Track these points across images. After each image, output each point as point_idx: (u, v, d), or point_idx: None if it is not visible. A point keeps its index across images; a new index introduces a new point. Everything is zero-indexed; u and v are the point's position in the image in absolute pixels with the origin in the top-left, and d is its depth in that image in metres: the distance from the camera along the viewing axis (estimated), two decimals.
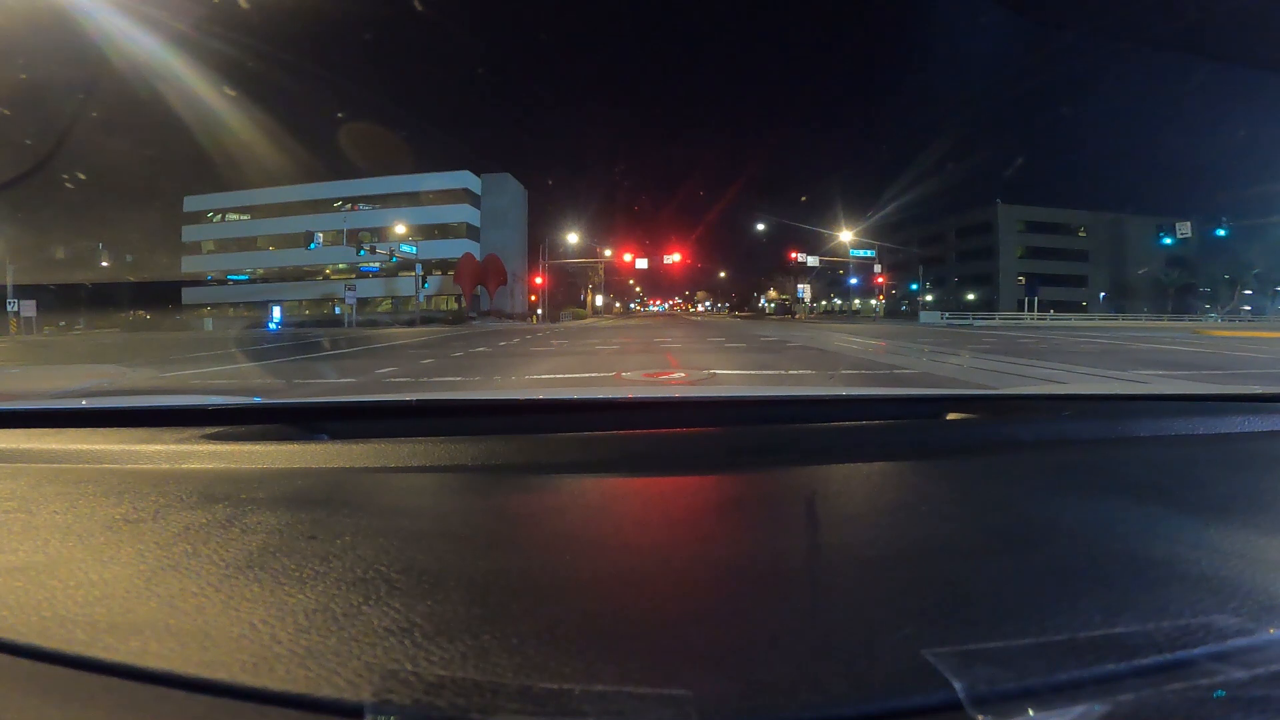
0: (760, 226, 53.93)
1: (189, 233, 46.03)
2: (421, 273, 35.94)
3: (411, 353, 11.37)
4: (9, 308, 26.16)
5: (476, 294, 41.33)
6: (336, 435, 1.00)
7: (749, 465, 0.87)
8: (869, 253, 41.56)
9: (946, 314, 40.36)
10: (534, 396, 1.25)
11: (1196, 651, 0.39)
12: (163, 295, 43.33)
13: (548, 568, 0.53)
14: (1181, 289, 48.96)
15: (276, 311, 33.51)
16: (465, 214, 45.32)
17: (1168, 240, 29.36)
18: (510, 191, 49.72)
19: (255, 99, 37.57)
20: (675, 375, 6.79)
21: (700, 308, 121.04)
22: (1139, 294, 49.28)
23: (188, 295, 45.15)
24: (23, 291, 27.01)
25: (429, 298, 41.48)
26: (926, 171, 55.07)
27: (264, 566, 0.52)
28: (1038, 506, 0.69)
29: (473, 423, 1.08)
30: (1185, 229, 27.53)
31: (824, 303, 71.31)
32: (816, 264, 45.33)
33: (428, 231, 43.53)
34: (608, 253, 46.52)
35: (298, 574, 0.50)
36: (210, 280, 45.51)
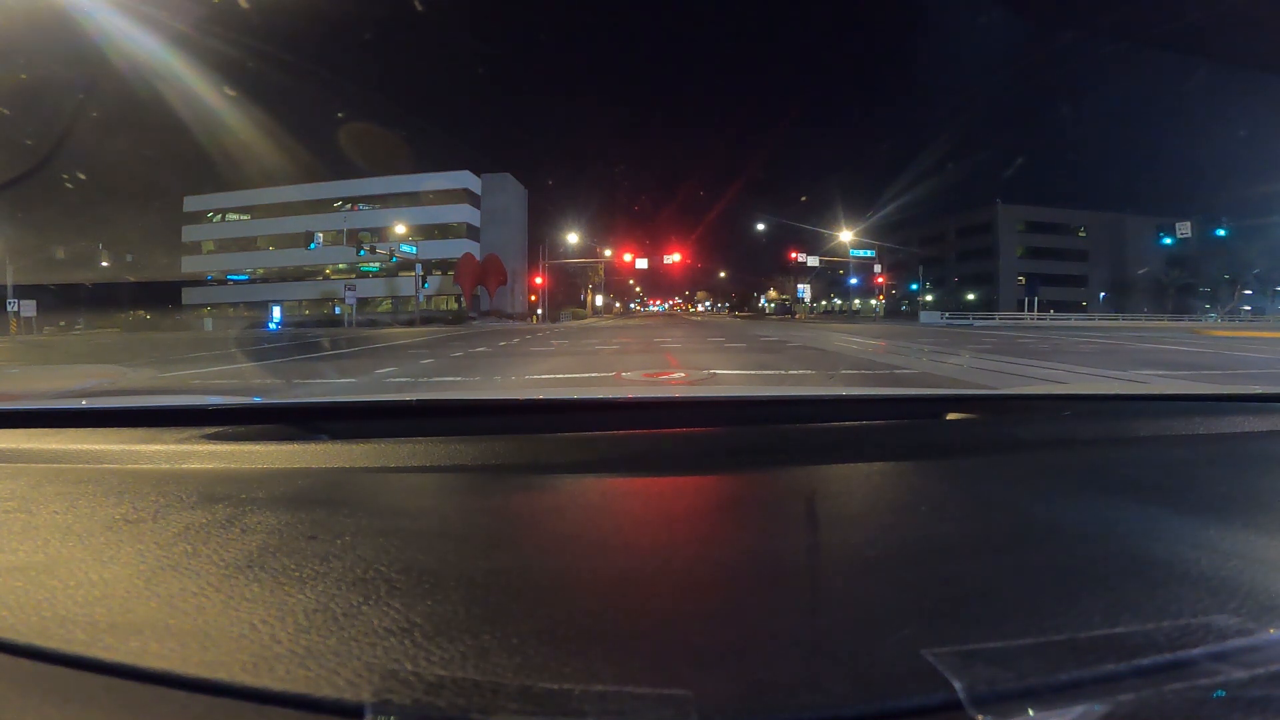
0: (760, 226, 53.92)
1: (189, 233, 46.01)
2: (421, 273, 35.91)
3: (411, 353, 11.37)
4: (9, 308, 26.15)
5: (476, 294, 41.35)
6: (336, 435, 1.00)
7: (749, 465, 0.87)
8: (869, 253, 41.55)
9: (946, 314, 40.34)
10: (534, 396, 1.25)
11: (1196, 651, 0.39)
12: (163, 295, 43.33)
13: (548, 568, 0.53)
14: (1181, 289, 48.94)
15: (276, 311, 33.51)
16: (465, 214, 45.31)
17: (1168, 240, 29.36)
18: (510, 191, 49.70)
19: (255, 99, 37.52)
20: (675, 375, 6.78)
21: (700, 308, 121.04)
22: (1139, 294, 49.28)
23: (188, 295, 45.14)
24: (23, 291, 27.00)
25: (429, 298, 41.48)
26: (926, 171, 55.05)
27: (264, 566, 0.52)
28: (1038, 506, 0.69)
29: (473, 423, 1.08)
30: (1185, 229, 27.53)
31: (824, 303, 71.28)
32: (816, 264, 45.28)
33: (428, 231, 43.52)
34: (607, 253, 46.52)
35: (298, 574, 0.50)
36: (210, 280, 45.47)
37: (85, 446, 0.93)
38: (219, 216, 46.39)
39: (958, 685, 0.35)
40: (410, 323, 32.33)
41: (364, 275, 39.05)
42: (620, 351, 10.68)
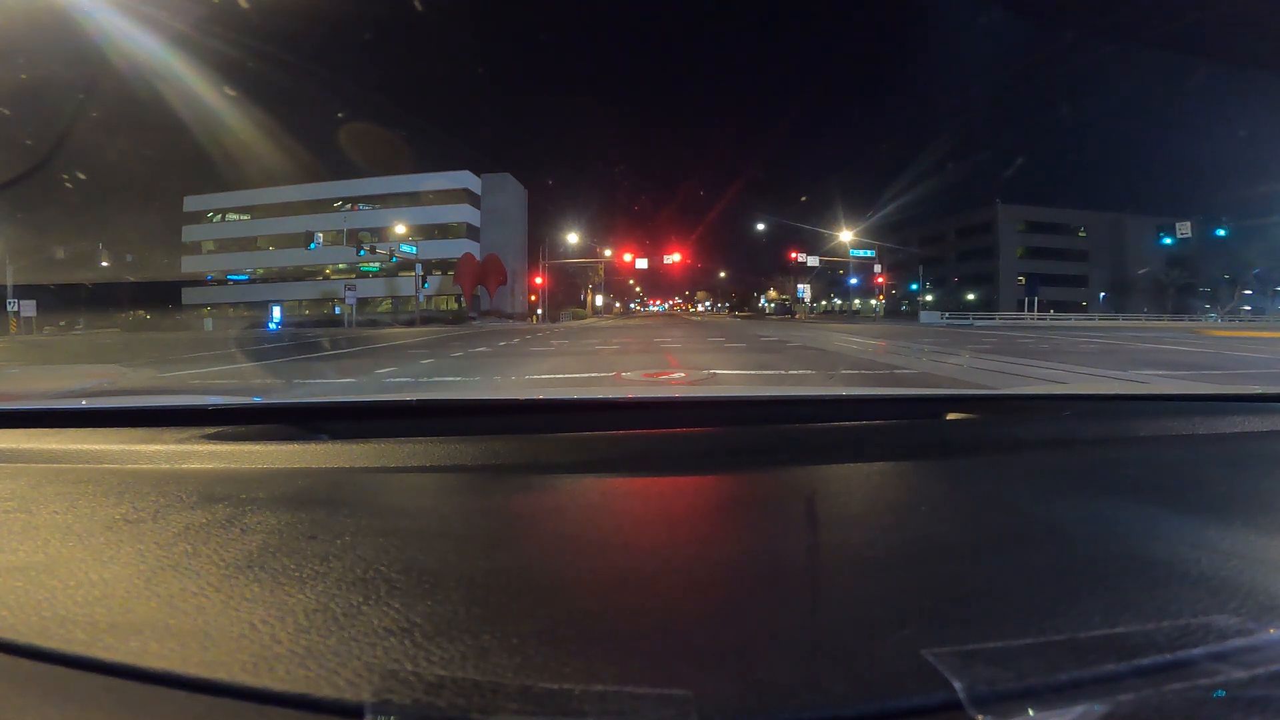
0: (760, 226, 53.99)
1: (189, 233, 46.00)
2: (421, 273, 35.88)
3: (411, 353, 11.37)
4: (9, 308, 26.15)
5: (476, 294, 41.34)
6: (336, 435, 1.00)
7: (749, 465, 0.87)
8: (869, 253, 41.57)
9: (946, 314, 40.36)
10: (534, 397, 1.25)
11: (1196, 651, 0.39)
12: (163, 295, 43.29)
13: (548, 568, 0.53)
14: (1181, 289, 48.90)
15: (276, 311, 33.52)
16: (465, 214, 45.30)
17: (1168, 240, 29.37)
18: (510, 191, 49.70)
19: (255, 99, 37.49)
20: (675, 375, 6.78)
21: (700, 308, 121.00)
22: (1139, 294, 49.23)
23: (188, 295, 45.12)
24: (23, 291, 27.00)
25: (429, 298, 41.46)
26: (926, 171, 55.01)
27: (264, 566, 0.52)
28: (1038, 506, 0.69)
29: (473, 423, 1.08)
30: (1185, 229, 27.54)
31: (824, 303, 71.30)
32: (816, 264, 45.29)
33: (428, 231, 43.52)
34: (608, 253, 46.56)
35: (298, 574, 0.50)
36: (210, 280, 45.44)
37: (85, 446, 0.93)
38: (219, 216, 46.36)
39: (958, 685, 0.35)
40: (410, 323, 32.34)
41: (364, 275, 39.03)
42: (620, 351, 10.68)
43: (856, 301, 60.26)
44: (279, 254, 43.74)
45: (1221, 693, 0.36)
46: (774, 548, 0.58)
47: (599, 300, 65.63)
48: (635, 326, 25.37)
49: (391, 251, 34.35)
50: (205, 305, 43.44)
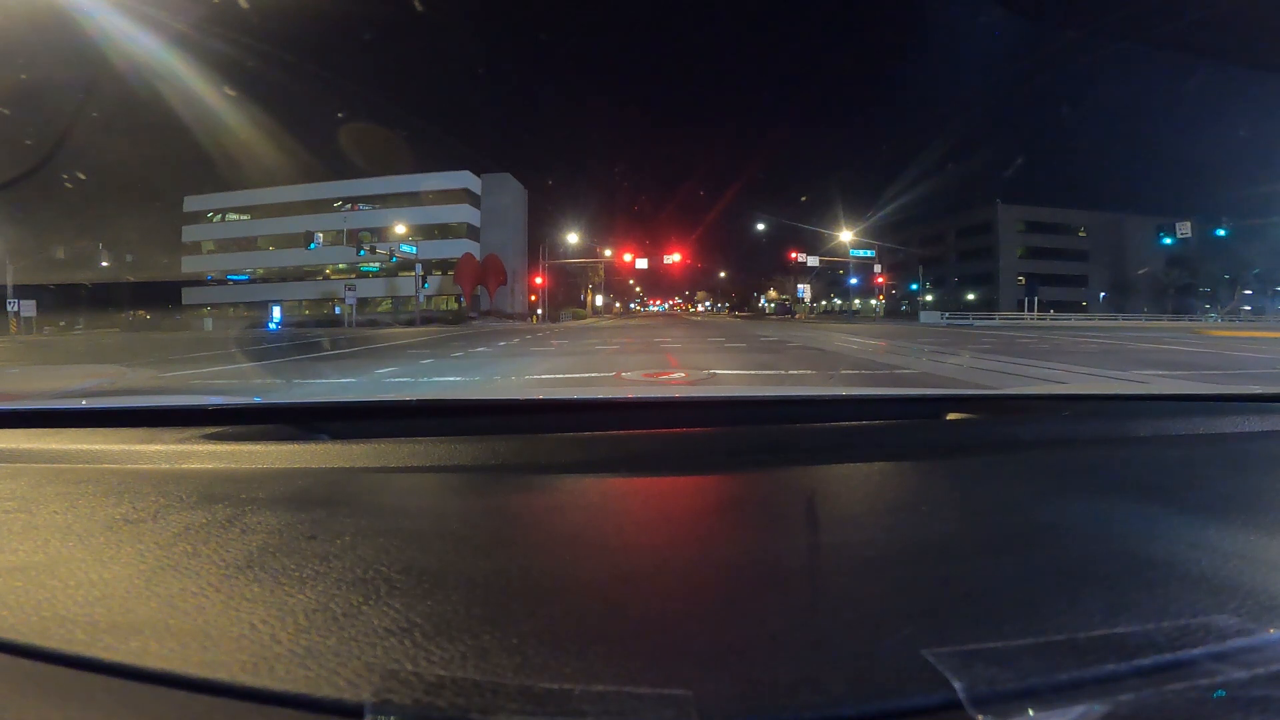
0: (760, 226, 54.15)
1: (189, 233, 46.00)
2: (421, 273, 35.89)
3: (411, 353, 11.37)
4: (9, 308, 26.13)
5: (476, 294, 41.36)
6: (336, 435, 1.00)
7: (749, 465, 0.87)
8: (869, 253, 41.60)
9: (946, 314, 40.36)
10: (534, 396, 1.26)
11: (1196, 651, 0.39)
12: (163, 295, 43.27)
13: (548, 568, 0.53)
14: (1181, 289, 48.93)
15: (276, 311, 33.52)
16: (465, 214, 45.32)
17: (1168, 240, 29.34)
18: (510, 191, 49.71)
19: (255, 99, 37.57)
20: (675, 375, 6.78)
21: (700, 308, 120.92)
22: (1139, 294, 49.23)
23: (188, 295, 45.11)
24: (23, 291, 26.97)
25: (429, 298, 41.47)
26: (926, 171, 55.25)
27: (264, 566, 0.52)
28: (1038, 506, 0.69)
29: (472, 423, 1.08)
30: (1185, 229, 27.54)
31: (824, 303, 71.31)
32: (816, 264, 45.34)
33: (428, 231, 43.54)
34: (608, 253, 46.58)
35: (298, 574, 0.50)
36: (210, 280, 45.43)
37: (85, 446, 0.93)
38: (219, 216, 46.36)
39: (958, 685, 0.35)
40: (410, 323, 32.33)
41: (364, 275, 39.03)
42: (620, 351, 10.68)
43: (856, 301, 60.22)
44: (279, 254, 43.73)
45: (1221, 693, 0.36)
46: (774, 548, 0.58)
47: (599, 300, 65.65)
48: (635, 326, 25.36)
49: (391, 251, 34.35)
50: (205, 305, 43.42)
